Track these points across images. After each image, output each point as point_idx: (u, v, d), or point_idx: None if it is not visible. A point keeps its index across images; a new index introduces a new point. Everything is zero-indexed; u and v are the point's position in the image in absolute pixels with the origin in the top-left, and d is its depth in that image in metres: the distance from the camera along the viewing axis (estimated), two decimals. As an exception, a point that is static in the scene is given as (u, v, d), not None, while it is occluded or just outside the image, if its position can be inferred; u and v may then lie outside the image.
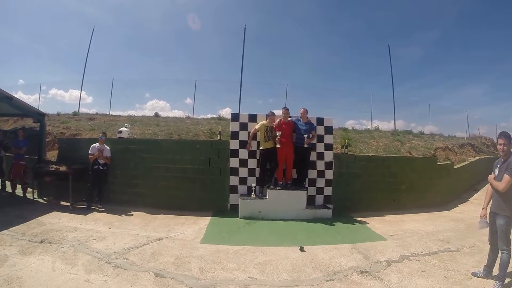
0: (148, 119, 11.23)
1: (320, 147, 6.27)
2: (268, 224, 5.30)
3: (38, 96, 15.26)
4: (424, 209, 6.63)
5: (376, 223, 5.52)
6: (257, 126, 5.93)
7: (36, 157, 7.00)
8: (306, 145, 5.78)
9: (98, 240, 4.15)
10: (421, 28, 39.77)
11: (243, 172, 6.07)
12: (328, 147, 6.33)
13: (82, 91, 14.31)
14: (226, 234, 4.67)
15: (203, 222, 5.23)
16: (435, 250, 4.18)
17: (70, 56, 41.25)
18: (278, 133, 5.66)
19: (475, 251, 4.13)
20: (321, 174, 6.23)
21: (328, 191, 6.24)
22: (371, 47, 38.12)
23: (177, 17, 47.80)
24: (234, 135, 6.13)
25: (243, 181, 6.06)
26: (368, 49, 38.25)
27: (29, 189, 6.60)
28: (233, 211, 5.84)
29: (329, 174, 6.26)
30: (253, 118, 6.21)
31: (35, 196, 6.53)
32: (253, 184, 5.87)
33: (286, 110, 5.92)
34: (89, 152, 5.98)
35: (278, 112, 6.18)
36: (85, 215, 5.42)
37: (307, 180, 6.10)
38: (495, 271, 3.17)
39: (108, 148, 6.13)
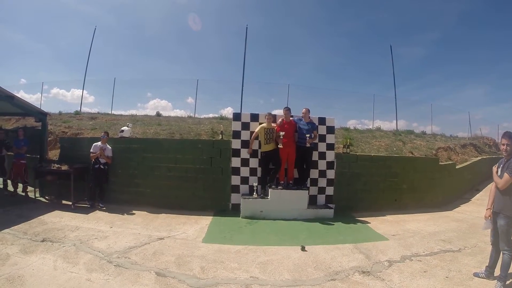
0: (149, 118, 11.25)
1: (322, 147, 6.26)
2: (270, 223, 5.30)
3: (40, 95, 15.39)
4: (426, 209, 6.61)
5: (377, 223, 5.51)
6: (256, 130, 5.92)
7: (38, 156, 7.01)
8: (308, 145, 5.77)
9: (99, 239, 4.15)
10: (422, 28, 39.77)
11: (244, 171, 6.06)
12: (330, 146, 6.32)
13: (84, 91, 14.43)
14: (227, 233, 4.67)
15: (204, 222, 5.23)
16: (437, 250, 4.17)
17: (72, 56, 41.44)
18: (282, 133, 5.65)
19: (477, 252, 4.12)
20: (322, 173, 6.22)
21: (329, 191, 6.23)
22: (372, 47, 38.15)
23: (178, 17, 47.86)
24: (236, 134, 6.12)
25: (244, 180, 6.05)
26: (369, 49, 38.26)
27: (30, 188, 6.63)
28: (235, 210, 5.84)
29: (330, 174, 6.25)
30: (254, 117, 6.20)
31: (37, 195, 6.55)
32: (255, 184, 5.86)
33: (287, 110, 5.90)
34: (91, 151, 5.99)
35: (279, 112, 6.18)
36: (87, 214, 5.43)
37: (308, 180, 6.09)
38: (497, 271, 3.16)
39: (110, 147, 6.14)
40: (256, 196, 5.80)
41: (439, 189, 7.17)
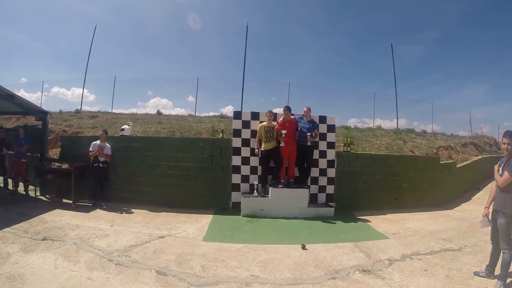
0: (150, 117, 11.24)
1: (322, 146, 6.25)
2: (270, 222, 5.30)
3: (41, 94, 15.42)
4: (426, 208, 6.61)
5: (378, 222, 5.51)
6: (258, 130, 5.91)
7: (39, 155, 7.01)
8: (309, 143, 5.77)
9: (100, 237, 4.16)
10: (423, 28, 39.66)
11: (245, 170, 6.06)
12: (331, 145, 6.31)
13: (84, 89, 14.46)
14: (228, 232, 4.67)
15: (205, 220, 5.23)
16: (437, 249, 4.17)
17: (72, 55, 41.42)
18: (284, 132, 5.63)
19: (477, 250, 4.11)
20: (323, 172, 6.22)
21: (330, 189, 6.23)
22: (373, 46, 38.10)
23: (178, 17, 47.75)
24: (236, 133, 6.12)
25: (245, 179, 6.05)
26: (370, 48, 38.21)
27: (31, 187, 6.63)
28: (235, 209, 5.84)
29: (331, 173, 6.25)
30: (255, 116, 6.20)
31: (38, 193, 6.56)
32: (255, 182, 5.86)
33: (287, 110, 5.86)
34: (89, 149, 5.99)
35: (280, 110, 6.17)
36: (87, 212, 5.43)
37: (309, 179, 6.09)
38: (497, 270, 3.16)
39: (109, 146, 6.13)
40: (256, 194, 5.80)
41: (440, 188, 7.17)
